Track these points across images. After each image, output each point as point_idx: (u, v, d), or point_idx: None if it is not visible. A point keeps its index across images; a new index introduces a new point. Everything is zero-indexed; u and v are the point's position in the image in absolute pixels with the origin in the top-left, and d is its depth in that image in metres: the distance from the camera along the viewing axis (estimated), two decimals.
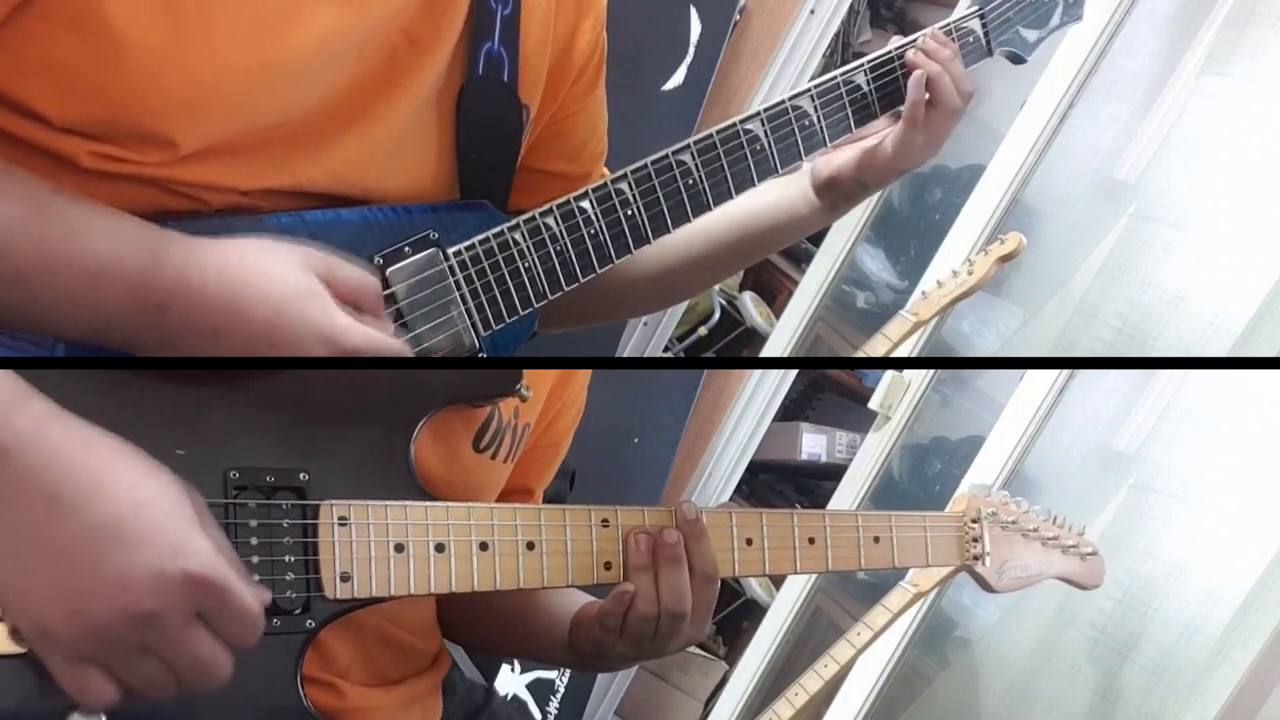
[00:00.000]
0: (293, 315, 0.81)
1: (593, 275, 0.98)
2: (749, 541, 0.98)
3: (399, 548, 0.85)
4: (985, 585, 1.12)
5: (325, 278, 0.83)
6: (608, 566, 0.93)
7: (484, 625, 1.12)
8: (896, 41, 1.08)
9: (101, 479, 0.69)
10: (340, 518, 0.84)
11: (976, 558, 1.11)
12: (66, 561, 0.67)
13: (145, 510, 0.69)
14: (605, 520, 0.93)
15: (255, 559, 0.81)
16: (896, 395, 2.31)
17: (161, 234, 0.80)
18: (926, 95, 1.06)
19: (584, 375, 1.15)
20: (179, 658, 0.70)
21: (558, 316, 1.09)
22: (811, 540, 1.00)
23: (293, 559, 0.82)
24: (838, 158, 1.09)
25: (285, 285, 0.81)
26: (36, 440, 0.68)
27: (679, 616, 0.93)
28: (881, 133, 1.08)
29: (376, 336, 0.85)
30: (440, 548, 0.87)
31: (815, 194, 1.12)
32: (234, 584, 0.71)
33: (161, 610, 0.68)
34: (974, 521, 1.12)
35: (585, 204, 0.97)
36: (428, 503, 0.87)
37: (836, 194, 1.11)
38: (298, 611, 0.82)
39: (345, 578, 0.83)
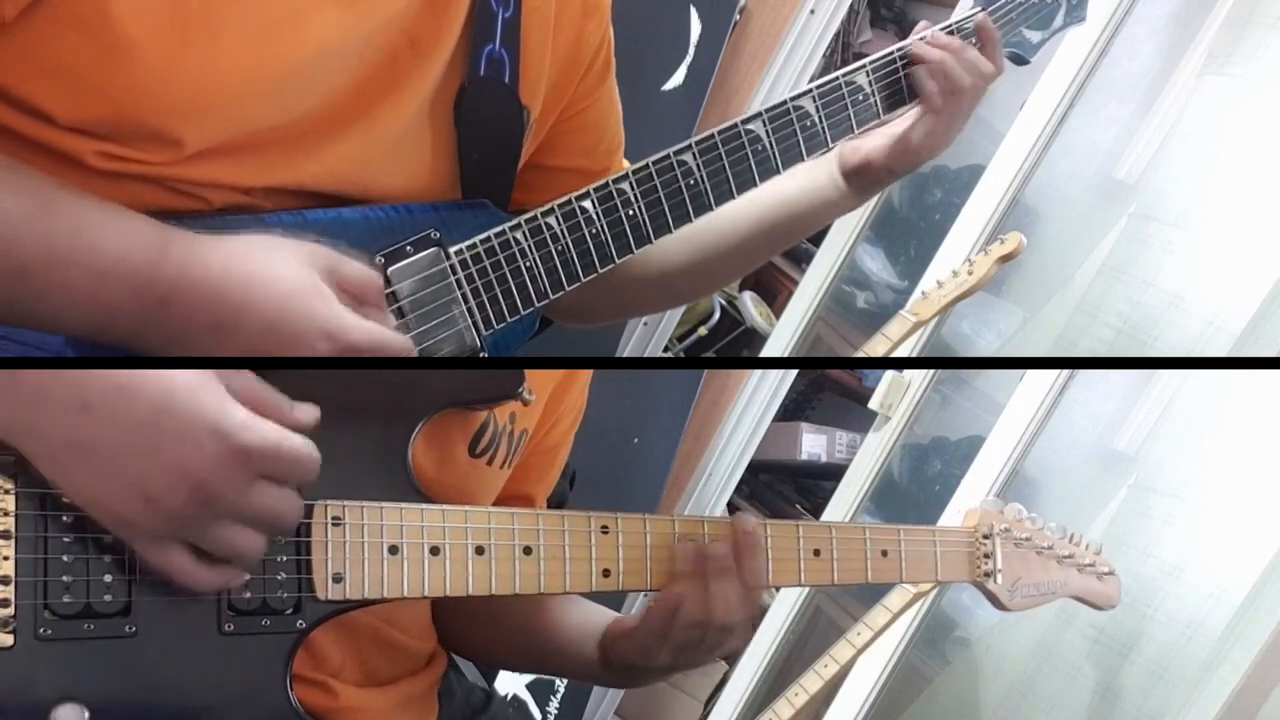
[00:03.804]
0: (296, 311, 0.81)
1: (593, 275, 0.98)
2: None
3: (393, 550, 0.85)
4: (997, 603, 1.10)
5: (327, 274, 0.84)
6: (606, 574, 0.92)
7: (484, 636, 1.12)
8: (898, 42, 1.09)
9: (148, 376, 0.73)
10: (334, 518, 0.83)
11: (988, 574, 1.09)
12: (131, 449, 0.72)
13: (181, 398, 0.73)
14: (605, 527, 0.92)
15: None
16: (896, 395, 2.31)
17: (165, 230, 0.80)
18: (937, 85, 1.06)
19: (584, 380, 1.14)
20: (253, 516, 0.76)
21: (588, 311, 1.08)
22: (817, 553, 1.00)
23: (285, 558, 0.82)
24: (866, 144, 1.09)
25: (289, 282, 0.81)
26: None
27: (727, 628, 0.93)
28: (906, 117, 1.08)
29: (379, 333, 0.85)
30: (435, 551, 0.86)
31: (844, 179, 1.12)
32: (277, 439, 0.76)
33: (223, 484, 0.74)
34: (985, 538, 1.10)
35: (586, 203, 0.97)
36: (424, 505, 0.86)
37: (866, 180, 1.11)
38: (288, 611, 0.82)
39: (338, 579, 0.83)
